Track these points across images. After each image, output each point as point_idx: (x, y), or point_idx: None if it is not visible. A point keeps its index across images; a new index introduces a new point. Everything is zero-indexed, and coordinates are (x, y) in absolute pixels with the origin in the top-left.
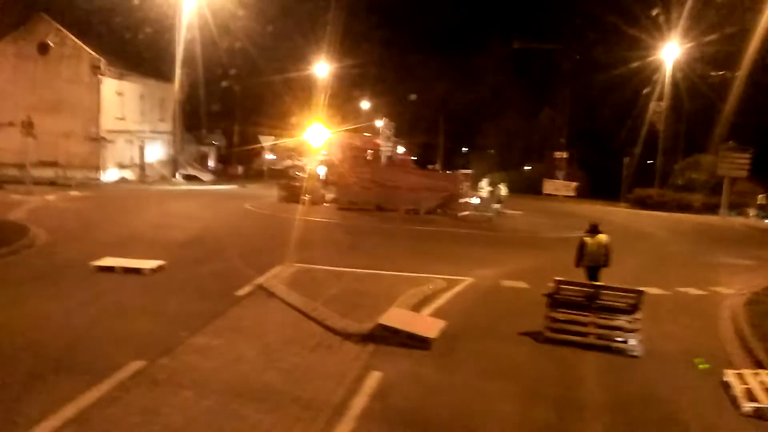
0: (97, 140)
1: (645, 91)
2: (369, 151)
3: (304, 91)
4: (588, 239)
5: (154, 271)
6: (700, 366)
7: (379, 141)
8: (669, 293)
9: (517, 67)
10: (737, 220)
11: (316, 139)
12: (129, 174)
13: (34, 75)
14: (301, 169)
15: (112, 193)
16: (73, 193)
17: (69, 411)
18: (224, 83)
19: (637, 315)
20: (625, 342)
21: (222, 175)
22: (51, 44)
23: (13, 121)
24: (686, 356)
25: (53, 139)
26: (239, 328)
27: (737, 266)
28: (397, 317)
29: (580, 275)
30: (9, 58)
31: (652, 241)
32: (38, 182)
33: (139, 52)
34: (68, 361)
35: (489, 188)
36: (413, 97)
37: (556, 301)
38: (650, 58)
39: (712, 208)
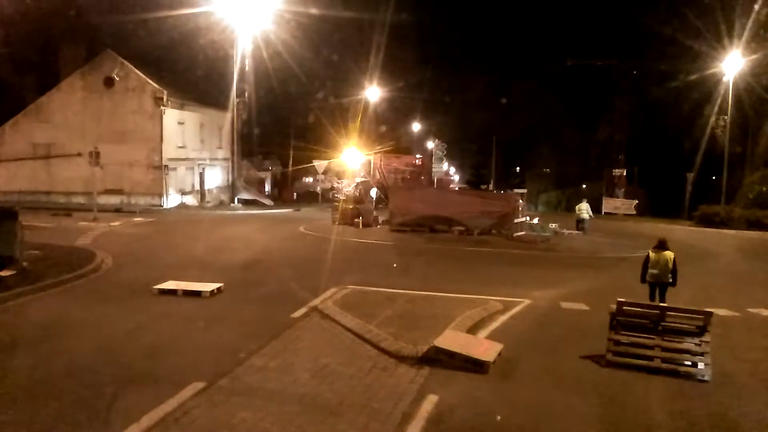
0: (160, 168)
1: (706, 105)
2: (412, 171)
3: (355, 115)
4: (653, 254)
5: (212, 293)
6: None
7: (421, 161)
8: (739, 314)
9: (572, 83)
10: None
11: (353, 161)
12: (190, 200)
13: (100, 108)
14: (340, 191)
15: (174, 219)
16: (137, 219)
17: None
18: (279, 110)
19: (706, 337)
20: (693, 366)
21: (277, 199)
22: (116, 78)
23: (81, 152)
24: (760, 381)
25: (118, 168)
26: (295, 350)
27: None
28: (452, 340)
29: (644, 296)
30: (77, 93)
31: (720, 260)
32: (104, 209)
33: (198, 83)
34: (131, 382)
35: (586, 210)
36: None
37: (618, 323)
38: (711, 71)
39: None
